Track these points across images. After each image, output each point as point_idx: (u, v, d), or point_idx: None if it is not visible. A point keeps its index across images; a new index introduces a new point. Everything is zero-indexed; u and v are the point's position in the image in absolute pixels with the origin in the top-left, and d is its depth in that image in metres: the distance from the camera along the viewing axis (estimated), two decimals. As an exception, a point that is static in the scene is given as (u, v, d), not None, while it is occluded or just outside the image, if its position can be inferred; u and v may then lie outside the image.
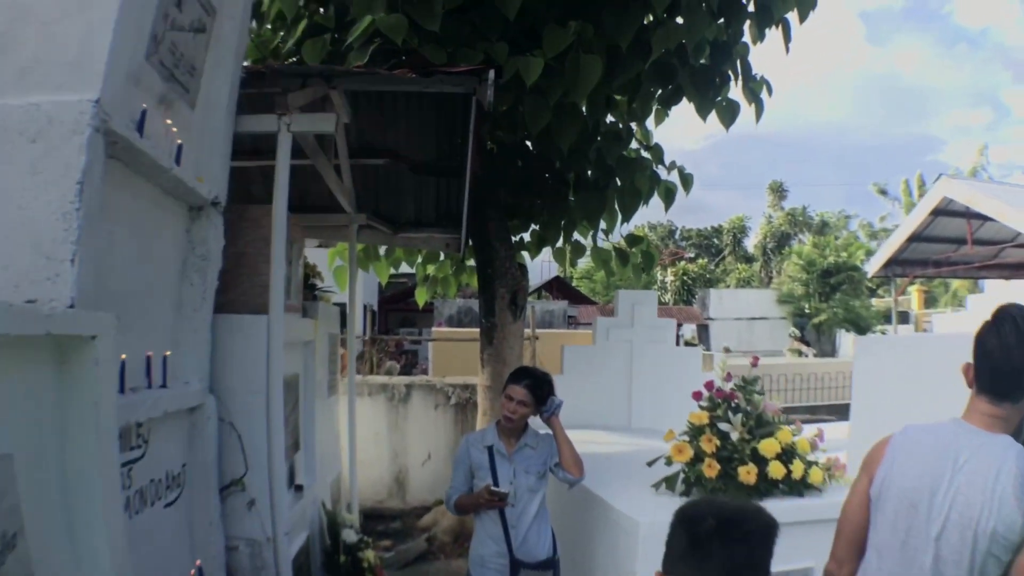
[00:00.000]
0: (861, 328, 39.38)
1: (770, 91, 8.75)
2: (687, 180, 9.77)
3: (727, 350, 37.66)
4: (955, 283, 43.52)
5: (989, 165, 54.46)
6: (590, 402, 9.13)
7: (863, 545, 3.10)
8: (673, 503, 4.45)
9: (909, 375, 6.70)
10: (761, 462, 5.05)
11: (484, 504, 5.15)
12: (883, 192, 60.52)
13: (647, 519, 4.73)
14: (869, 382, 7.67)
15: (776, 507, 2.97)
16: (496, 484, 5.14)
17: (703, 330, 44.07)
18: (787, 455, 5.15)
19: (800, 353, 37.27)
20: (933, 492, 2.85)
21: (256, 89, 5.35)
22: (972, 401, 2.99)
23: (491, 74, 5.38)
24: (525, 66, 6.50)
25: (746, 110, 8.58)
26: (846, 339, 42.60)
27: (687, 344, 39.81)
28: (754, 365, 5.80)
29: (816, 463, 5.33)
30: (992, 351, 2.90)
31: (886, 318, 40.53)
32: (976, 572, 2.71)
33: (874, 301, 46.59)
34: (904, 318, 39.71)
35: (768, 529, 2.27)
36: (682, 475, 5.23)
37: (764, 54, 23.54)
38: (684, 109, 8.82)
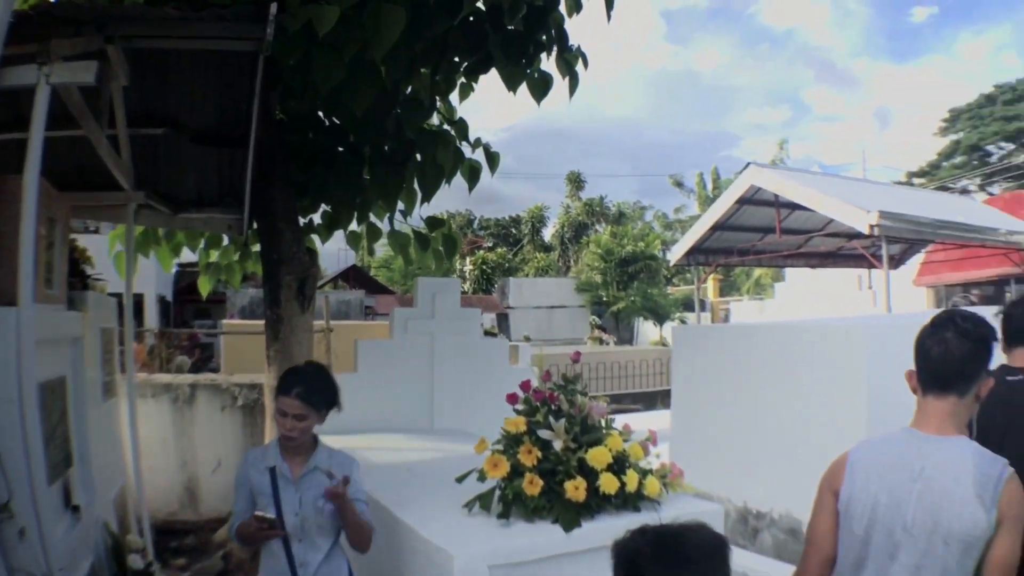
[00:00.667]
0: (659, 316, 39.88)
1: (586, 63, 8.00)
2: (494, 159, 8.88)
3: (527, 338, 37.54)
4: (757, 271, 44.39)
5: (788, 160, 56.00)
6: (388, 402, 8.55)
7: (833, 563, 3.17)
8: (490, 527, 4.25)
9: (726, 364, 6.42)
10: (590, 475, 4.43)
11: (258, 534, 4.14)
12: (679, 184, 61.83)
13: (463, 552, 4.00)
14: (687, 372, 7.26)
15: (610, 526, 3.56)
16: (280, 514, 4.17)
17: (503, 319, 43.69)
18: (619, 465, 4.57)
19: (601, 341, 37.36)
20: (898, 504, 2.95)
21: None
22: (921, 404, 3.11)
23: (273, 7, 4.59)
24: (318, 15, 5.49)
25: (559, 84, 7.83)
26: (644, 327, 43.08)
27: (487, 333, 39.33)
28: (575, 360, 5.26)
29: (651, 471, 4.74)
30: (931, 350, 3.05)
31: (684, 305, 41.08)
32: (938, 568, 2.83)
33: (670, 289, 47.22)
34: (701, 306, 40.27)
35: (714, 548, 2.16)
36: (499, 493, 4.51)
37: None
38: (485, 97, 8.05)
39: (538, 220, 69.60)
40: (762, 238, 23.48)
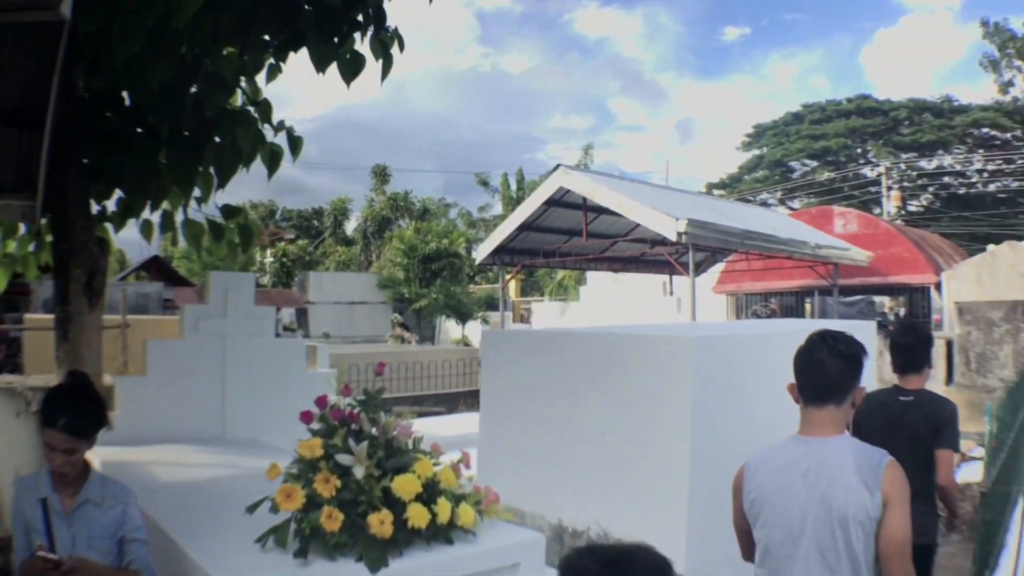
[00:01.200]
0: (462, 314, 39.29)
1: (402, 46, 7.35)
2: (297, 143, 8.11)
3: (327, 335, 36.70)
4: (561, 273, 44.44)
5: (591, 164, 56.62)
6: (179, 409, 8.00)
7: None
8: (288, 565, 3.73)
9: (540, 371, 6.30)
10: (397, 506, 3.88)
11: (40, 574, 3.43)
12: (484, 183, 61.73)
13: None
14: (497, 378, 6.76)
15: (421, 563, 3.64)
16: (53, 550, 3.55)
17: (302, 314, 42.51)
18: (429, 493, 4.03)
19: (402, 339, 36.69)
20: (794, 498, 3.40)
21: None
22: (804, 413, 3.58)
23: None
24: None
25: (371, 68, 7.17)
26: (447, 325, 42.56)
27: (286, 329, 38.46)
28: (379, 373, 4.66)
29: (465, 497, 4.22)
30: (808, 368, 3.53)
31: (487, 304, 40.72)
32: (849, 554, 3.26)
33: (472, 288, 46.87)
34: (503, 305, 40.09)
35: (660, 569, 2.15)
36: (294, 527, 3.90)
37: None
38: (291, 86, 7.31)
39: (341, 213, 68.19)
40: (568, 240, 23.35)
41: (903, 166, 59.36)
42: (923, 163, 61.04)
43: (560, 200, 21.08)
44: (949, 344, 14.12)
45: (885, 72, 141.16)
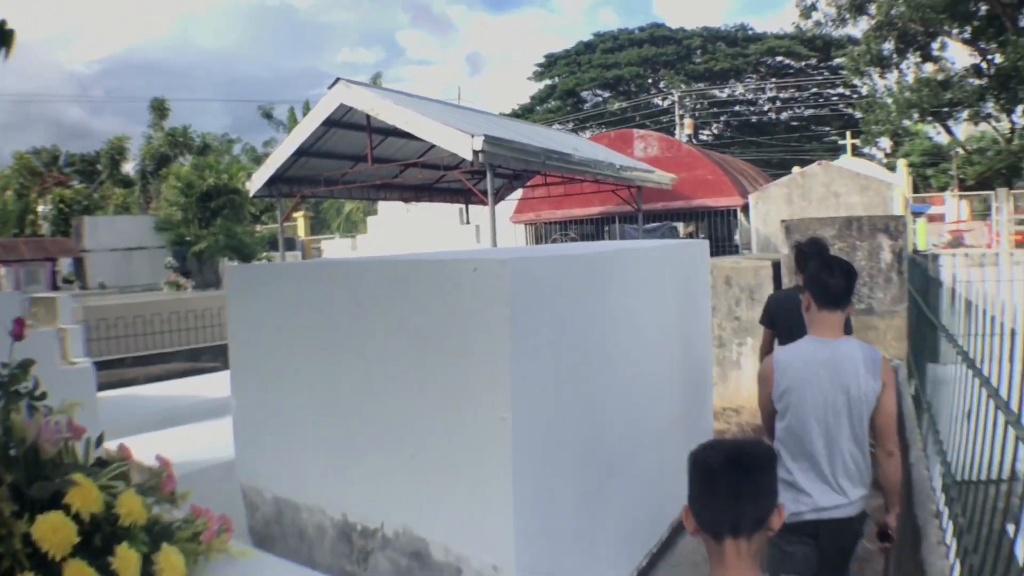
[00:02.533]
0: (245, 256, 36.41)
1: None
2: (7, 37, 6.20)
3: (103, 286, 33.81)
4: (348, 206, 42.35)
5: (383, 98, 54.80)
6: None
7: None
8: None
9: (312, 317, 4.45)
10: (48, 566, 2.11)
11: None
12: (268, 116, 58.77)
13: None
14: (253, 329, 4.87)
15: None
16: None
17: (79, 264, 39.17)
18: (102, 536, 2.27)
19: (178, 286, 33.88)
20: (818, 387, 4.41)
21: None
22: (817, 318, 4.57)
23: None
24: None
25: None
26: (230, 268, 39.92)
27: (65, 281, 35.61)
28: (17, 336, 2.65)
29: (174, 531, 2.49)
30: (828, 280, 4.50)
31: (271, 244, 38.34)
32: (861, 426, 4.43)
33: (258, 227, 44.38)
34: (291, 245, 37.77)
35: (770, 458, 2.72)
36: None
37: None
38: (72, 24, 5.26)
39: (118, 152, 63.96)
40: (353, 167, 20.83)
41: (695, 95, 59.58)
42: (716, 92, 61.61)
43: (342, 120, 18.71)
44: (776, 266, 12.78)
45: (674, 5, 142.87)
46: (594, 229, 28.53)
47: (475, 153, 14.74)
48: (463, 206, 27.37)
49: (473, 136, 14.75)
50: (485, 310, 3.55)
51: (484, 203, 17.29)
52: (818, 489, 4.48)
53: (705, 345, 6.91)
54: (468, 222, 27.17)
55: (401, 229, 28.89)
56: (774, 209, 19.80)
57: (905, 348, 11.63)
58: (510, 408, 3.46)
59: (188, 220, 40.57)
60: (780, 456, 4.37)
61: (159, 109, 62.38)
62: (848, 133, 41.67)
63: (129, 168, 63.89)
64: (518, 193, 27.30)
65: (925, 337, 6.52)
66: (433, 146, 18.03)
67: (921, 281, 7.07)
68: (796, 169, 21.63)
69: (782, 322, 7.04)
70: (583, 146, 23.13)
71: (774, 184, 20.93)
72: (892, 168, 31.25)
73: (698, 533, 2.67)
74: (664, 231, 26.83)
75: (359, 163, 20.12)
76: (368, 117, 17.43)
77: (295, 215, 34.79)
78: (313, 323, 4.41)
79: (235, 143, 64.03)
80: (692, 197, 25.83)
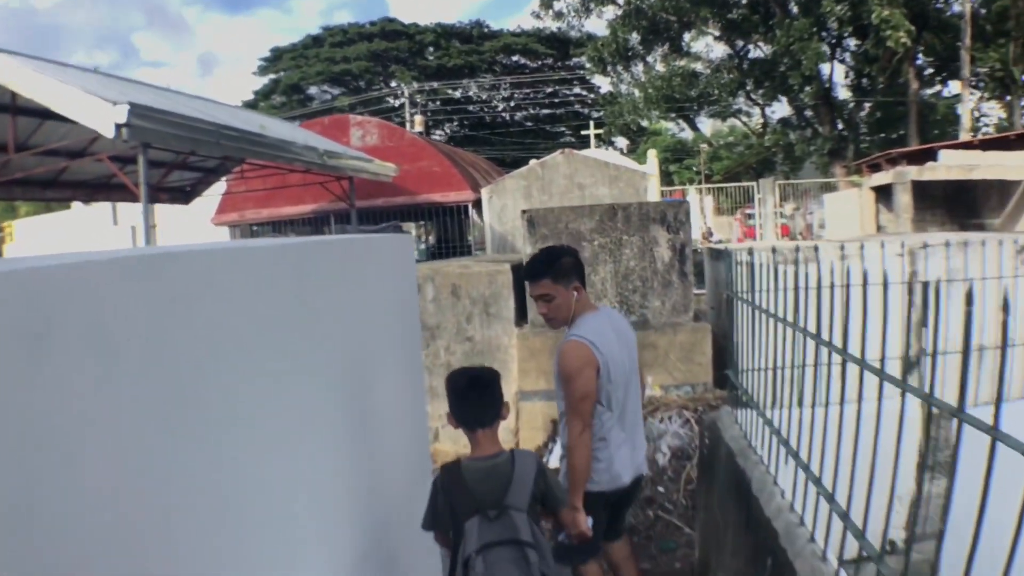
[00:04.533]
0: None
1: None
2: None
3: None
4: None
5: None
6: None
7: None
8: None
9: None
10: None
11: None
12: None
13: None
14: None
15: None
16: None
17: None
18: None
19: None
20: (619, 355, 4.91)
21: None
22: (583, 300, 5.03)
23: None
24: None
25: None
26: None
27: None
28: None
29: None
30: (581, 266, 5.13)
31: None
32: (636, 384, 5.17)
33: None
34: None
35: (496, 375, 3.99)
36: None
37: None
38: None
39: None
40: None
41: (428, 91, 57.82)
42: (449, 91, 60.22)
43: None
44: (517, 270, 9.87)
45: (412, 8, 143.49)
46: (311, 230, 25.39)
47: (118, 128, 11.12)
48: (115, 205, 23.34)
49: (115, 104, 11.12)
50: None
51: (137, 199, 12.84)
52: (632, 453, 5.15)
53: (416, 378, 5.24)
54: (117, 223, 23.38)
55: (44, 236, 25.05)
56: (511, 204, 17.79)
57: (694, 370, 9.18)
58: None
59: None
60: (605, 439, 4.97)
61: None
62: (592, 124, 39.81)
63: None
64: (222, 187, 23.51)
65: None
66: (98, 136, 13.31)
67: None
68: (534, 162, 19.60)
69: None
70: (277, 127, 19.39)
71: (510, 176, 18.72)
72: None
73: (459, 427, 3.91)
74: (390, 232, 23.45)
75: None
76: (13, 97, 13.39)
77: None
78: None
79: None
80: (417, 192, 23.35)
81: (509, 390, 9.24)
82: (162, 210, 21.29)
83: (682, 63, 37.15)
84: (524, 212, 9.75)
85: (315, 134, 21.34)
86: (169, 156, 16.66)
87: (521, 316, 10.18)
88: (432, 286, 10.03)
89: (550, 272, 4.92)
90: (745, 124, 45.65)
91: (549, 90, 62.02)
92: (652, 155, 29.82)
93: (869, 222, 19.02)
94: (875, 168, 21.84)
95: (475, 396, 3.85)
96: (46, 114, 13.74)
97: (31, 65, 12.89)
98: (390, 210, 23.99)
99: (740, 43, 37.21)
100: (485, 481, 3.73)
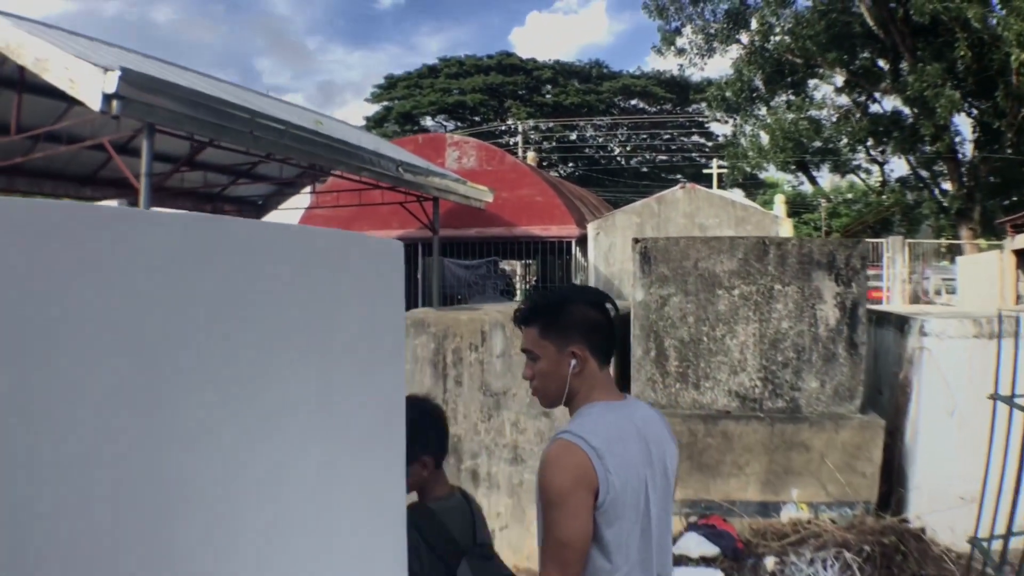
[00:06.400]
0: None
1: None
2: None
3: None
4: None
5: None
6: None
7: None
8: None
9: None
10: None
11: None
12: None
13: None
14: None
15: None
16: None
17: None
18: None
19: None
20: (642, 463, 2.91)
21: None
22: (595, 377, 3.00)
23: None
24: None
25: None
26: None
27: None
28: None
29: None
30: (605, 327, 3.03)
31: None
32: (669, 505, 3.06)
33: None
34: None
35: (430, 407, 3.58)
36: None
37: None
38: None
39: None
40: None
41: (543, 129, 56.69)
42: (564, 130, 58.90)
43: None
44: (625, 322, 7.21)
45: (533, 47, 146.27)
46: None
47: (107, 99, 8.45)
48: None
49: (106, 71, 8.45)
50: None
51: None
52: None
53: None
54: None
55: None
56: (620, 242, 14.70)
57: (856, 483, 6.31)
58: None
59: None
60: None
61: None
62: (715, 162, 37.39)
63: None
64: (305, 201, 21.09)
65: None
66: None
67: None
68: (642, 202, 16.49)
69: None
70: (342, 129, 15.96)
71: (621, 211, 15.73)
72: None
73: (431, 471, 3.39)
74: (487, 269, 21.21)
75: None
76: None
77: None
78: None
79: None
80: (515, 224, 20.39)
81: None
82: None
83: (808, 110, 34.86)
84: (636, 242, 7.06)
85: (395, 145, 18.73)
86: (233, 159, 14.95)
87: (623, 384, 7.29)
88: (502, 335, 7.28)
89: (539, 318, 3.14)
90: (864, 181, 43.37)
91: (666, 136, 60.15)
92: (780, 200, 27.54)
93: (1010, 288, 16.53)
94: (1018, 229, 19.34)
95: (443, 425, 3.51)
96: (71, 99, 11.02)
97: (10, 21, 10.27)
98: (481, 241, 20.89)
99: (864, 94, 34.70)
100: (460, 521, 3.41)
